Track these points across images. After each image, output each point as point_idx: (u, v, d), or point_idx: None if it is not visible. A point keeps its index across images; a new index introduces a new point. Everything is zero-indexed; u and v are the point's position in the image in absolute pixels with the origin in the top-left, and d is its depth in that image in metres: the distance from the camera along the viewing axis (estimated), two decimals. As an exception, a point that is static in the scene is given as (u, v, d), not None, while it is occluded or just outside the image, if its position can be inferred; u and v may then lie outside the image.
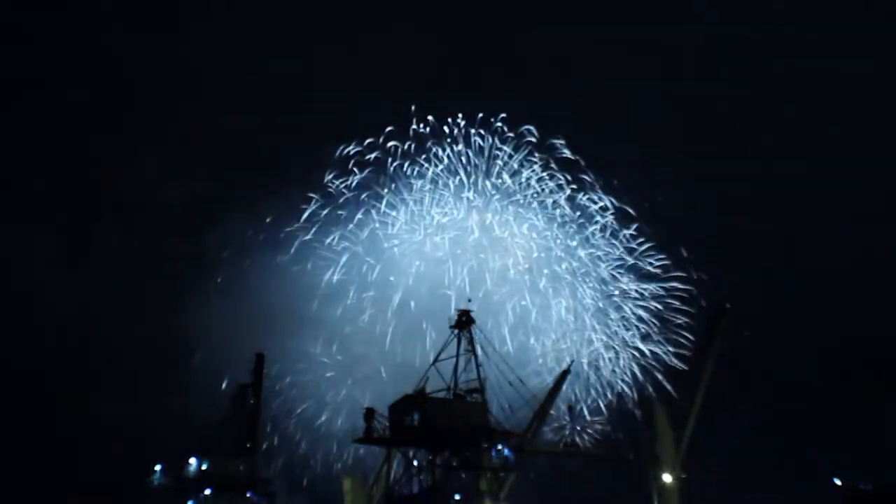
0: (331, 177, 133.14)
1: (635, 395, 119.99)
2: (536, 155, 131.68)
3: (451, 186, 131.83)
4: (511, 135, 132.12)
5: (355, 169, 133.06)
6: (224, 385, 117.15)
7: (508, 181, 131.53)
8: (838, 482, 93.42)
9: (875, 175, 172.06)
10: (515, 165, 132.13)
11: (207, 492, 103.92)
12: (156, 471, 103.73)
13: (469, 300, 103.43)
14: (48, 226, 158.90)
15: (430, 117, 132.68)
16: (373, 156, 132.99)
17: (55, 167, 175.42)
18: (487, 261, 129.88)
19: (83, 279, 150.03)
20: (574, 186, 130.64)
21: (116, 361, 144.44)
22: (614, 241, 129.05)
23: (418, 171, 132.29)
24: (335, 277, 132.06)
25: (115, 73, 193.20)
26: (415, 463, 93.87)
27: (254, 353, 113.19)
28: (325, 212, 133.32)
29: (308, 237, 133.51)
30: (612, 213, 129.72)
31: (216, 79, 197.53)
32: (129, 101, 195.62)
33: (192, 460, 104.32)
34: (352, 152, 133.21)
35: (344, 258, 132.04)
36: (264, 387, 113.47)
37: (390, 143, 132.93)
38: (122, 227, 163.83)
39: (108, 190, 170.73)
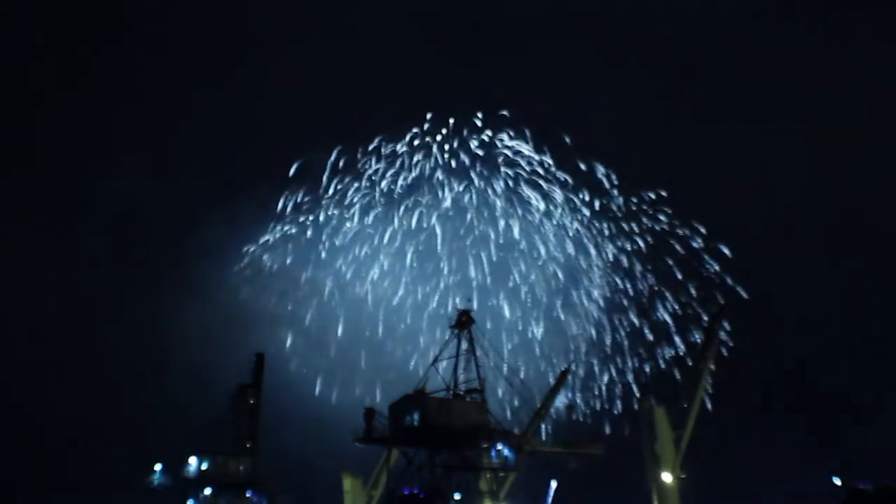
0: (324, 180, 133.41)
1: (635, 396, 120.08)
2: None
3: (446, 186, 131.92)
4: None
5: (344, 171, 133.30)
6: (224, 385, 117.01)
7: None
8: (838, 482, 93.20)
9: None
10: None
11: (207, 491, 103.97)
12: (156, 471, 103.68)
13: (469, 300, 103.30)
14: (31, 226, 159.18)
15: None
16: (363, 157, 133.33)
17: (42, 169, 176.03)
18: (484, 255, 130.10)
19: (70, 279, 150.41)
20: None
21: (115, 361, 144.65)
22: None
23: (407, 172, 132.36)
24: (328, 279, 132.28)
25: (104, 77, 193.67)
26: (415, 463, 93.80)
27: (253, 353, 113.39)
28: (315, 213, 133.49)
29: (297, 238, 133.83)
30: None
31: (204, 85, 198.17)
32: (116, 104, 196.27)
33: (192, 460, 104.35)
34: (340, 154, 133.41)
35: (335, 259, 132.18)
36: (263, 386, 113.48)
37: (378, 146, 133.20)
38: (107, 227, 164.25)
39: (94, 192, 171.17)
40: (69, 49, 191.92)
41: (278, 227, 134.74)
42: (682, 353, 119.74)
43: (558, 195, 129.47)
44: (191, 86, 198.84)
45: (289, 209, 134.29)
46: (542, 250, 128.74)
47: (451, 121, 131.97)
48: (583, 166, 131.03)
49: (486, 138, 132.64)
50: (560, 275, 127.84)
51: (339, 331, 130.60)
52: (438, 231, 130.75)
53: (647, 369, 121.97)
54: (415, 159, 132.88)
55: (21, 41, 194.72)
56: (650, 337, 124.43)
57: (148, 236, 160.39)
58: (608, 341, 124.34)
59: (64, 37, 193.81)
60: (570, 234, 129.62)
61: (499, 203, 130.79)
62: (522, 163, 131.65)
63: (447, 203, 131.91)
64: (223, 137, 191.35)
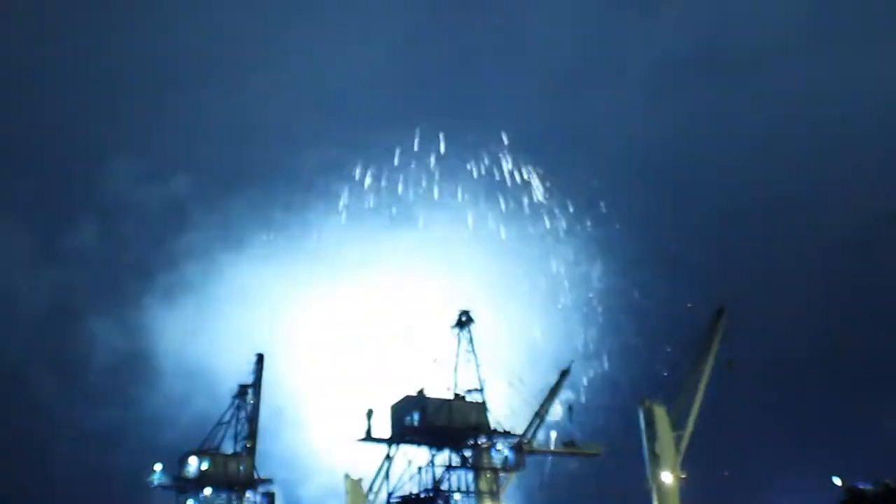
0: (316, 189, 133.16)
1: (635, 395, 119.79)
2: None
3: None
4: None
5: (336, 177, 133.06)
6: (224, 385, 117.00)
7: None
8: (838, 482, 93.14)
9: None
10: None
11: (207, 492, 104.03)
12: (156, 471, 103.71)
13: (469, 300, 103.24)
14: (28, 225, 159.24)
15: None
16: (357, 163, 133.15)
17: (35, 166, 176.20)
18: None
19: (63, 278, 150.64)
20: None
21: (114, 360, 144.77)
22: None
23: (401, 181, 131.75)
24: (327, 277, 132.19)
25: (98, 72, 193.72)
26: (415, 462, 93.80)
27: (254, 352, 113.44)
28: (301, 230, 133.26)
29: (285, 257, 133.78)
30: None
31: (196, 86, 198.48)
32: (109, 102, 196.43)
33: (192, 460, 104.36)
34: (326, 180, 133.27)
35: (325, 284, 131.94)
36: (263, 386, 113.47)
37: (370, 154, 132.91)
38: (100, 227, 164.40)
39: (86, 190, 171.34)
40: (60, 45, 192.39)
41: (262, 243, 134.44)
42: (681, 357, 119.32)
43: (559, 222, 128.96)
44: (188, 85, 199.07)
45: (273, 235, 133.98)
46: (542, 278, 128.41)
47: (441, 136, 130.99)
48: (577, 179, 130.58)
49: (480, 159, 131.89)
50: (559, 297, 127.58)
51: (331, 354, 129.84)
52: (429, 260, 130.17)
53: (647, 373, 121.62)
54: (402, 181, 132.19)
55: (16, 40, 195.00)
56: (649, 342, 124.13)
57: (141, 235, 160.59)
58: (606, 360, 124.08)
59: (58, 35, 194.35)
60: (571, 257, 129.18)
61: (493, 231, 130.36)
62: (520, 186, 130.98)
63: (438, 230, 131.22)
64: (218, 138, 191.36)
